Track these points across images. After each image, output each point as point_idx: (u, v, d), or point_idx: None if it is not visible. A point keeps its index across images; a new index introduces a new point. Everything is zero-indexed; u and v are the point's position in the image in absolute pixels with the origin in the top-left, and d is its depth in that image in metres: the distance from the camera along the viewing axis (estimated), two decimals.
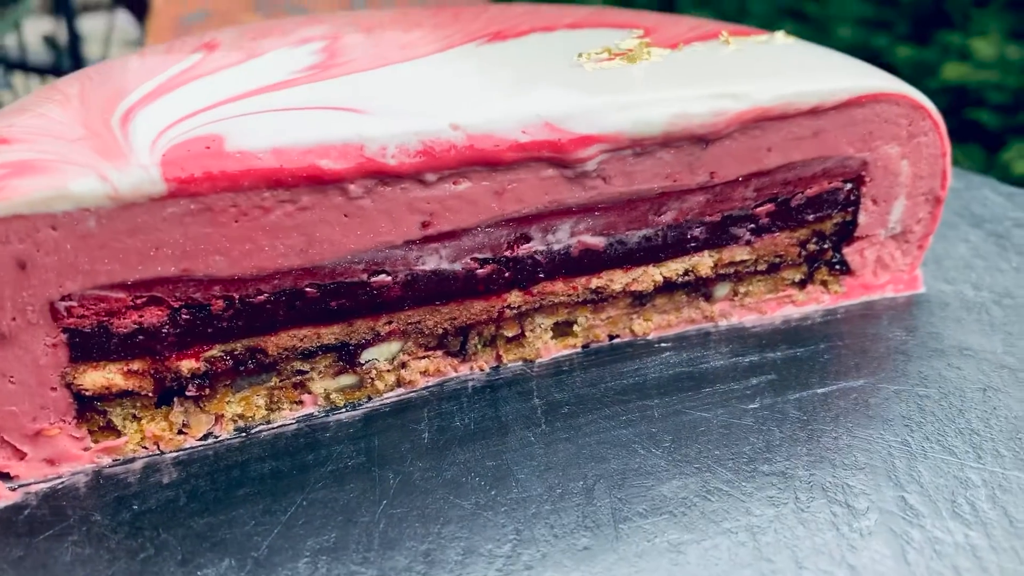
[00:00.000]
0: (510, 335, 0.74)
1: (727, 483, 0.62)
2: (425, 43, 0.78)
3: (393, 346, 0.70)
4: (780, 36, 0.82)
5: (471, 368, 0.74)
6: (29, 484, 0.63)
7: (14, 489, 0.62)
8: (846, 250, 0.81)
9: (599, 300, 0.75)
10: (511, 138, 0.64)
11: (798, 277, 0.81)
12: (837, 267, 0.82)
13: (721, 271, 0.77)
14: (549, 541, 0.57)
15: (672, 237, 0.74)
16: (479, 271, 0.69)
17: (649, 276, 0.75)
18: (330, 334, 0.67)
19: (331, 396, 0.70)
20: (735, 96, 0.69)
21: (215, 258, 0.61)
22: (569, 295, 0.73)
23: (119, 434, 0.65)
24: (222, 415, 0.67)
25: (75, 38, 2.61)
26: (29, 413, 0.61)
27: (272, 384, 0.68)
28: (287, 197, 0.60)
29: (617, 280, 0.74)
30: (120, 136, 0.61)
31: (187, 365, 0.63)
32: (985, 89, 1.97)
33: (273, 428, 0.68)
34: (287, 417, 0.69)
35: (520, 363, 0.75)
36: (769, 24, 2.02)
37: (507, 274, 0.70)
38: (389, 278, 0.66)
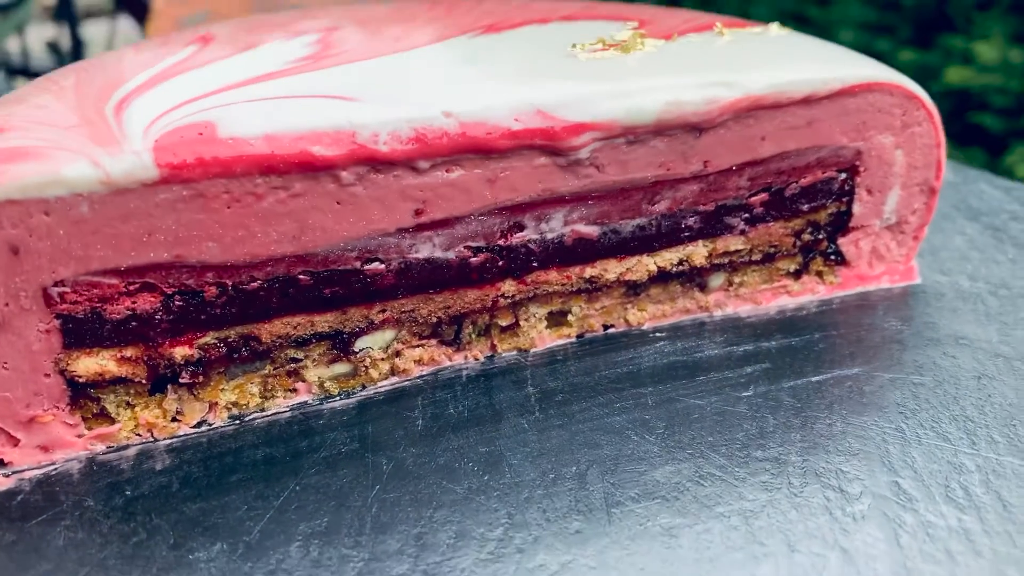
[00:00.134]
0: (504, 324, 0.74)
1: (720, 468, 0.62)
2: (419, 35, 0.78)
3: (387, 334, 0.70)
4: (774, 28, 0.82)
5: (465, 357, 0.74)
6: (23, 470, 0.63)
7: (8, 475, 0.62)
8: (841, 240, 0.81)
9: (593, 290, 0.75)
10: (504, 126, 0.64)
11: (793, 267, 0.81)
12: (832, 257, 0.82)
13: (716, 261, 0.77)
14: (541, 525, 0.57)
15: (666, 226, 0.74)
16: (472, 259, 0.69)
17: (643, 266, 0.75)
18: (324, 322, 0.67)
19: (325, 384, 0.70)
20: (728, 84, 0.69)
21: (208, 244, 0.61)
22: (563, 284, 0.73)
23: (113, 421, 0.65)
24: (216, 403, 0.67)
25: (78, 43, 2.62)
26: (23, 399, 0.61)
27: (266, 372, 0.68)
28: (279, 184, 0.61)
29: (611, 270, 0.74)
30: (114, 124, 0.61)
31: (180, 352, 0.64)
32: (988, 93, 1.97)
33: (267, 416, 0.68)
34: (281, 405, 0.69)
35: (514, 353, 0.75)
36: None
37: (501, 263, 0.70)
38: (382, 266, 0.66)
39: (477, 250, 0.69)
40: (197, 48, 0.76)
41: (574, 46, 0.74)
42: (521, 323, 0.74)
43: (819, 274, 0.83)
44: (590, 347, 0.76)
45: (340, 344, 0.68)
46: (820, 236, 0.80)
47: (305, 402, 0.70)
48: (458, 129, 0.63)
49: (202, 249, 0.61)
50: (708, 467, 0.62)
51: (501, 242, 0.69)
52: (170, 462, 0.64)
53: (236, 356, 0.66)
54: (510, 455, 0.63)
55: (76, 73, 0.73)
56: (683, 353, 0.75)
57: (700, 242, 0.76)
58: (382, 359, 0.70)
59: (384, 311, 0.69)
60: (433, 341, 0.72)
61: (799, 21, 2.35)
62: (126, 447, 0.65)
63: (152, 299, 0.61)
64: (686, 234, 0.75)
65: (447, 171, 0.64)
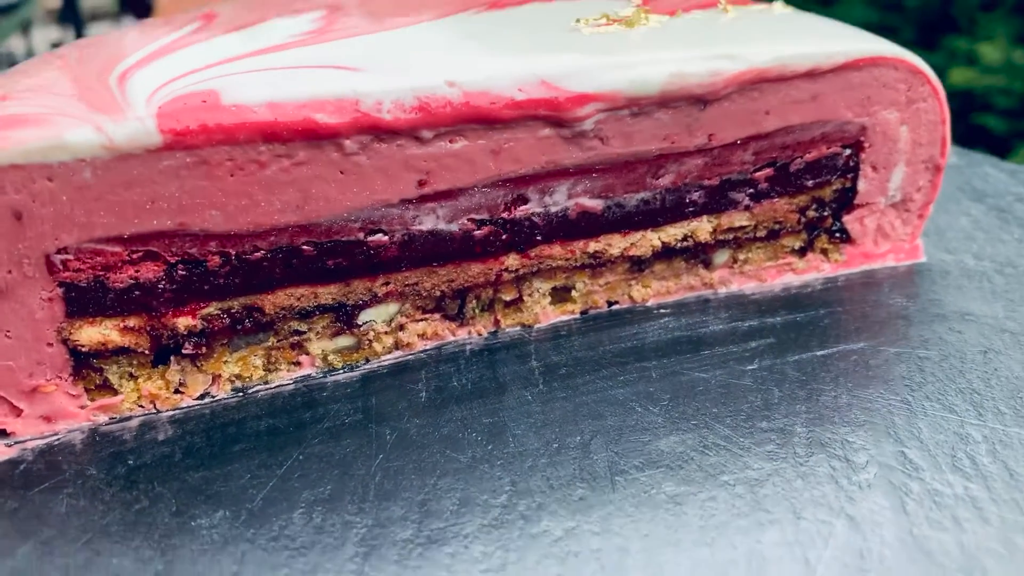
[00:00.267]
0: (508, 299, 0.74)
1: (725, 439, 0.62)
2: (422, 12, 0.78)
3: (391, 308, 0.70)
4: (778, 6, 0.82)
5: (469, 332, 0.74)
6: (25, 441, 0.63)
7: (10, 445, 0.62)
8: (846, 218, 0.81)
9: (597, 265, 0.75)
10: (507, 95, 0.64)
11: (798, 245, 0.81)
12: (837, 235, 0.82)
13: (720, 237, 0.77)
14: (545, 492, 0.57)
15: (671, 201, 0.74)
16: (476, 232, 0.69)
17: (647, 241, 0.75)
18: (327, 294, 0.67)
19: (329, 358, 0.69)
20: (732, 57, 0.69)
21: (211, 212, 0.61)
22: (567, 259, 0.73)
23: (115, 392, 0.65)
24: (219, 375, 0.67)
25: None
26: (25, 369, 0.61)
27: (269, 344, 0.67)
28: (283, 152, 0.60)
29: (615, 244, 0.74)
30: (117, 93, 0.61)
31: (184, 322, 0.63)
32: (992, 94, 1.97)
33: (270, 388, 0.68)
34: (284, 378, 0.69)
35: (518, 328, 0.75)
36: None
37: (504, 236, 0.70)
38: (386, 237, 0.66)
39: (481, 223, 0.68)
40: (200, 25, 0.76)
41: (578, 21, 0.74)
42: (525, 298, 0.74)
43: (824, 252, 0.82)
44: (594, 323, 0.76)
45: (344, 317, 0.68)
46: (825, 213, 0.80)
47: (309, 375, 0.69)
48: (461, 98, 0.63)
49: (205, 217, 0.60)
50: (713, 437, 0.62)
51: (505, 215, 0.69)
52: (173, 433, 0.63)
53: (239, 327, 0.65)
54: (514, 425, 0.63)
55: (80, 48, 0.73)
56: (687, 328, 0.75)
57: (705, 217, 0.76)
58: (386, 332, 0.70)
59: (387, 284, 0.68)
60: (437, 315, 0.72)
61: None
62: (128, 418, 0.65)
63: (155, 268, 0.61)
64: (690, 209, 0.75)
65: (450, 141, 0.64)
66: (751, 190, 0.76)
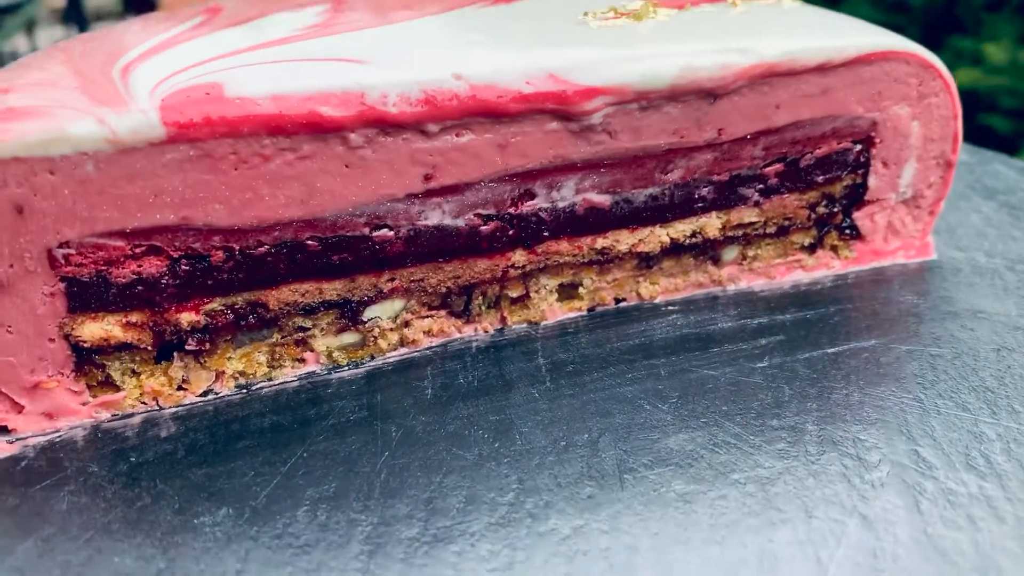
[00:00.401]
0: (514, 296, 0.73)
1: (735, 437, 0.61)
2: (428, 6, 0.77)
3: (396, 304, 0.69)
4: (788, 0, 0.81)
5: (475, 330, 0.73)
6: (27, 437, 0.62)
7: (12, 442, 0.61)
8: (856, 214, 0.80)
9: (605, 261, 0.74)
10: (514, 88, 0.63)
11: (808, 241, 0.80)
12: (847, 232, 0.81)
13: (729, 233, 0.76)
14: (552, 490, 0.56)
15: (679, 196, 0.73)
16: (483, 228, 0.68)
17: (656, 237, 0.74)
18: (332, 290, 0.66)
19: (333, 354, 0.69)
20: (743, 51, 0.68)
21: (215, 207, 0.60)
22: (574, 255, 0.72)
23: (117, 389, 0.64)
24: (223, 371, 0.66)
25: None
26: (27, 365, 0.60)
27: (274, 340, 0.67)
28: (287, 145, 0.60)
29: (623, 240, 0.73)
30: (120, 85, 0.60)
31: (187, 318, 0.63)
32: (997, 94, 1.96)
33: (274, 385, 0.67)
34: (289, 375, 0.68)
35: (524, 325, 0.74)
36: None
37: (511, 232, 0.69)
38: (391, 232, 0.65)
39: (487, 218, 0.68)
40: (204, 19, 0.76)
41: (585, 14, 0.73)
42: (531, 295, 0.73)
43: (834, 248, 0.81)
44: (601, 320, 0.75)
45: (348, 313, 0.67)
46: (835, 209, 0.79)
47: (313, 372, 0.69)
48: (468, 92, 0.62)
49: (209, 211, 0.60)
50: (723, 435, 0.61)
51: (512, 210, 0.68)
52: (176, 430, 0.63)
53: (243, 323, 0.65)
54: (521, 423, 0.62)
55: (83, 42, 0.72)
56: (696, 326, 0.74)
57: (714, 213, 0.75)
58: (391, 329, 0.69)
59: (393, 280, 0.68)
60: (442, 312, 0.71)
61: None
62: (131, 415, 0.64)
63: (158, 263, 0.61)
64: (699, 205, 0.74)
65: (457, 135, 0.63)
66: (761, 186, 0.75)
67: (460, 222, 0.67)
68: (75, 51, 0.69)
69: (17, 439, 0.62)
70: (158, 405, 0.65)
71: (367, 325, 0.69)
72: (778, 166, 0.75)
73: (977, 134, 1.92)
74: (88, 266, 0.59)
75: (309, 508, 0.55)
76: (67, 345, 0.61)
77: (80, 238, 0.58)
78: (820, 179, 0.77)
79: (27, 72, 0.64)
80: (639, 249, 0.74)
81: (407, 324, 0.70)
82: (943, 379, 0.66)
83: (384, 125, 0.61)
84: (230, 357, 0.66)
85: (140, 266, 0.60)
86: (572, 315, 0.76)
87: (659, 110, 0.68)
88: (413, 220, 0.66)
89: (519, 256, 0.70)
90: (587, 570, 0.50)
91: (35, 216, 0.56)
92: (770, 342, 0.71)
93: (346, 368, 0.69)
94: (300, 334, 0.67)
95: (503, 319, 0.73)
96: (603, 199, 0.71)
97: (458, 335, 0.73)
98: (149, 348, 0.63)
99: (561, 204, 0.69)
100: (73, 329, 0.61)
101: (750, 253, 0.79)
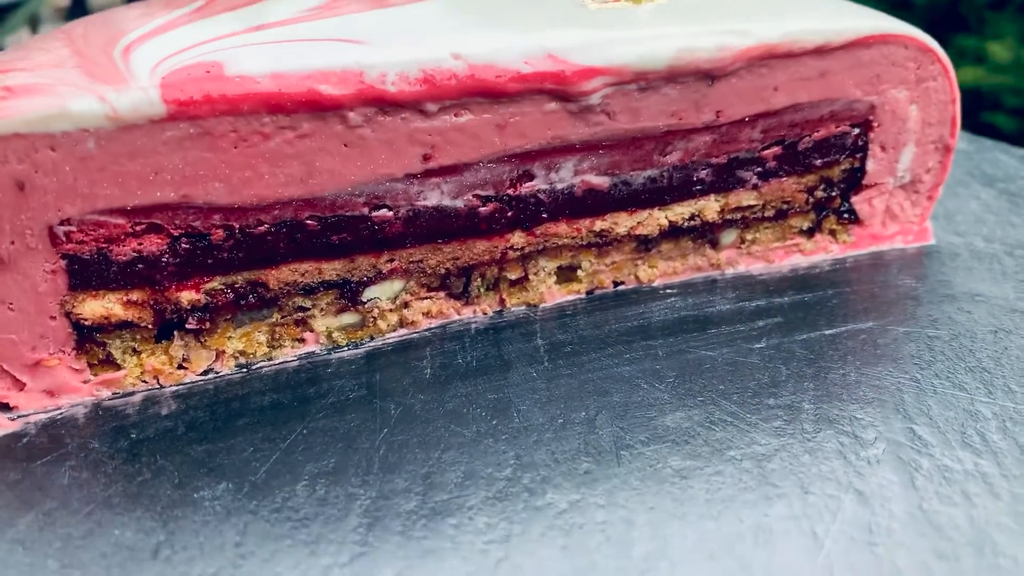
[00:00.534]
0: (513, 278, 0.73)
1: (732, 415, 0.61)
2: None
3: (395, 285, 0.69)
4: None
5: (474, 312, 0.73)
6: (29, 415, 0.62)
7: (13, 419, 0.62)
8: (854, 198, 0.80)
9: (603, 244, 0.74)
10: (513, 68, 0.63)
11: (806, 225, 0.80)
12: (845, 216, 0.81)
13: (728, 216, 0.77)
14: (550, 466, 0.56)
15: (678, 179, 0.73)
16: (481, 209, 0.68)
17: (654, 220, 0.74)
18: (331, 270, 0.66)
19: (333, 335, 0.69)
20: (741, 32, 0.68)
21: (215, 185, 0.60)
22: (573, 237, 0.73)
23: (118, 367, 0.64)
24: (223, 351, 0.66)
25: None
26: (28, 342, 0.61)
27: (274, 320, 0.67)
28: (287, 123, 0.60)
29: (622, 223, 0.73)
30: (121, 64, 0.61)
31: (187, 296, 0.63)
32: (1001, 93, 1.95)
33: (274, 365, 0.68)
34: (289, 354, 0.68)
35: (523, 308, 0.75)
36: None
37: (510, 213, 0.69)
38: (390, 213, 0.66)
39: (486, 199, 0.68)
40: (205, 2, 0.76)
41: None
42: (530, 277, 0.74)
43: (832, 233, 0.82)
44: (600, 303, 0.76)
45: (348, 293, 0.68)
46: (833, 193, 0.79)
47: (313, 352, 0.69)
48: (467, 71, 0.62)
49: (209, 189, 0.60)
50: (719, 413, 0.61)
51: (510, 191, 0.68)
52: (176, 407, 0.63)
53: (243, 303, 0.65)
54: (519, 401, 0.63)
55: (84, 25, 0.72)
56: (694, 308, 0.74)
57: (712, 196, 0.75)
58: (390, 310, 0.70)
59: (392, 260, 0.68)
60: (441, 293, 0.72)
61: None
62: (132, 393, 0.65)
63: (158, 241, 0.61)
64: (698, 187, 0.74)
65: (456, 115, 0.64)
66: (759, 169, 0.75)
67: (459, 203, 0.67)
68: (76, 33, 0.69)
69: (19, 416, 0.62)
70: (159, 384, 0.65)
71: (366, 306, 0.69)
72: (776, 149, 0.75)
73: (981, 132, 1.92)
74: (89, 243, 0.59)
75: (308, 483, 0.55)
76: (68, 323, 0.61)
77: (81, 215, 0.58)
78: (818, 163, 0.77)
79: (29, 53, 0.64)
80: (637, 232, 0.74)
81: (406, 305, 0.70)
82: (940, 360, 0.67)
83: (383, 104, 0.61)
84: (230, 336, 0.66)
85: (140, 244, 0.61)
86: (570, 298, 0.76)
87: (657, 91, 0.68)
88: (412, 200, 0.66)
89: (518, 238, 0.71)
90: (583, 543, 0.51)
91: (36, 193, 0.57)
92: (768, 324, 0.71)
93: (346, 348, 0.70)
94: (300, 314, 0.68)
95: (502, 301, 0.74)
96: (602, 181, 0.71)
97: (457, 317, 0.73)
98: (150, 327, 0.64)
99: (560, 186, 0.70)
100: (74, 307, 0.61)
101: (748, 237, 0.79)
